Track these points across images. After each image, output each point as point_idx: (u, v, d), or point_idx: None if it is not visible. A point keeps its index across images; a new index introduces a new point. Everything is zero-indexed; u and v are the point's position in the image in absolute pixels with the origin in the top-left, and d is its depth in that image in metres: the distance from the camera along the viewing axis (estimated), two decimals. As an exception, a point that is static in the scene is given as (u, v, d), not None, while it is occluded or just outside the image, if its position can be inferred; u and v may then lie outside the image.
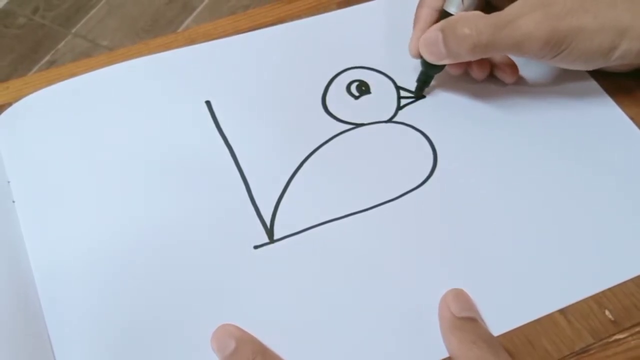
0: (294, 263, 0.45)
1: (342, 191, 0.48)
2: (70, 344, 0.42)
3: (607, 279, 0.44)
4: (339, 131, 0.51)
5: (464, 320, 0.41)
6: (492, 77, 0.54)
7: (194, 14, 0.66)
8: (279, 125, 0.51)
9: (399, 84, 0.54)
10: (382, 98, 0.53)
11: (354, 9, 0.58)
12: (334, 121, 0.52)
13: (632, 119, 0.51)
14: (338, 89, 0.53)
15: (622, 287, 0.44)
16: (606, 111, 0.52)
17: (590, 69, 0.52)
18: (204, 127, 0.51)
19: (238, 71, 0.54)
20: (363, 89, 0.53)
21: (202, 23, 0.60)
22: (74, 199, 0.47)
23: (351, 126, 0.51)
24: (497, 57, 0.53)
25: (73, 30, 0.66)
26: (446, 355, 0.41)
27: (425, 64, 0.51)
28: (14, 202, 0.48)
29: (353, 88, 0.53)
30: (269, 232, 0.46)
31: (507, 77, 0.53)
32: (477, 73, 0.53)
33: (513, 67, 0.53)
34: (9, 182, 0.48)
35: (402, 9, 0.58)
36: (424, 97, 0.53)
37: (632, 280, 0.44)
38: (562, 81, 0.54)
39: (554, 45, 0.47)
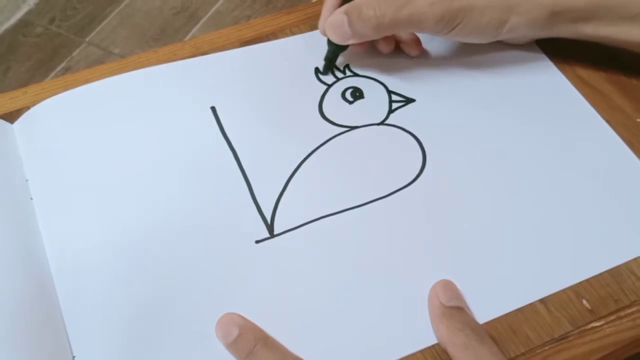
0: (293, 256, 0.45)
1: (337, 189, 0.48)
2: (84, 333, 0.41)
3: (585, 270, 0.44)
4: (334, 134, 0.51)
5: (452, 309, 0.41)
6: (399, 50, 0.55)
7: (200, 23, 0.66)
8: (279, 129, 0.51)
9: (390, 89, 0.53)
10: (374, 102, 0.53)
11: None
12: (330, 125, 0.51)
13: (607, 122, 0.51)
14: (334, 95, 0.53)
15: (599, 278, 0.44)
16: (585, 116, 0.52)
17: (485, 42, 0.53)
18: (209, 131, 0.51)
19: (241, 80, 0.54)
20: (357, 94, 0.53)
21: (207, 32, 0.60)
22: (87, 196, 0.47)
23: (346, 129, 0.51)
24: (402, 34, 0.54)
25: (87, 39, 0.66)
26: (435, 341, 0.41)
27: (331, 43, 0.53)
28: (32, 199, 0.47)
29: (348, 94, 0.53)
30: (270, 227, 0.46)
31: (412, 51, 0.55)
32: (384, 47, 0.55)
33: (417, 42, 0.55)
34: (27, 180, 0.48)
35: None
36: (414, 100, 0.53)
37: (608, 271, 0.44)
38: (543, 90, 0.54)
39: (448, 21, 0.49)
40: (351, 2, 0.50)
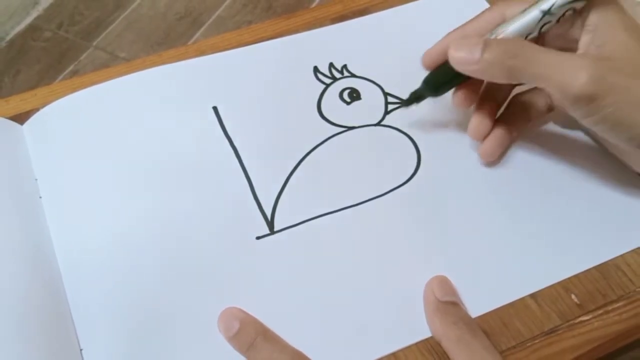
0: (292, 252, 0.44)
1: (335, 187, 0.48)
2: (91, 326, 0.41)
3: (573, 266, 0.44)
4: (332, 133, 0.51)
5: (446, 303, 0.41)
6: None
7: (203, 28, 0.66)
8: (279, 128, 0.51)
9: (386, 91, 0.53)
10: (371, 104, 0.53)
11: (346, 24, 0.58)
12: (328, 124, 0.51)
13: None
14: (332, 96, 0.53)
15: (587, 274, 0.43)
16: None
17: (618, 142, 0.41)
18: (211, 130, 0.51)
19: (242, 80, 0.54)
20: (354, 95, 0.53)
21: (210, 36, 0.60)
22: (94, 194, 0.47)
23: (343, 129, 0.51)
24: (539, 103, 0.47)
25: (94, 43, 0.66)
26: (430, 334, 0.41)
27: (428, 83, 0.46)
28: (40, 197, 0.47)
29: (345, 95, 0.53)
30: (270, 224, 0.46)
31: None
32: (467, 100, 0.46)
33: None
34: (36, 179, 0.48)
35: (390, 24, 0.58)
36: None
37: (596, 267, 0.44)
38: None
39: (592, 96, 0.37)
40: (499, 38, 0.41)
